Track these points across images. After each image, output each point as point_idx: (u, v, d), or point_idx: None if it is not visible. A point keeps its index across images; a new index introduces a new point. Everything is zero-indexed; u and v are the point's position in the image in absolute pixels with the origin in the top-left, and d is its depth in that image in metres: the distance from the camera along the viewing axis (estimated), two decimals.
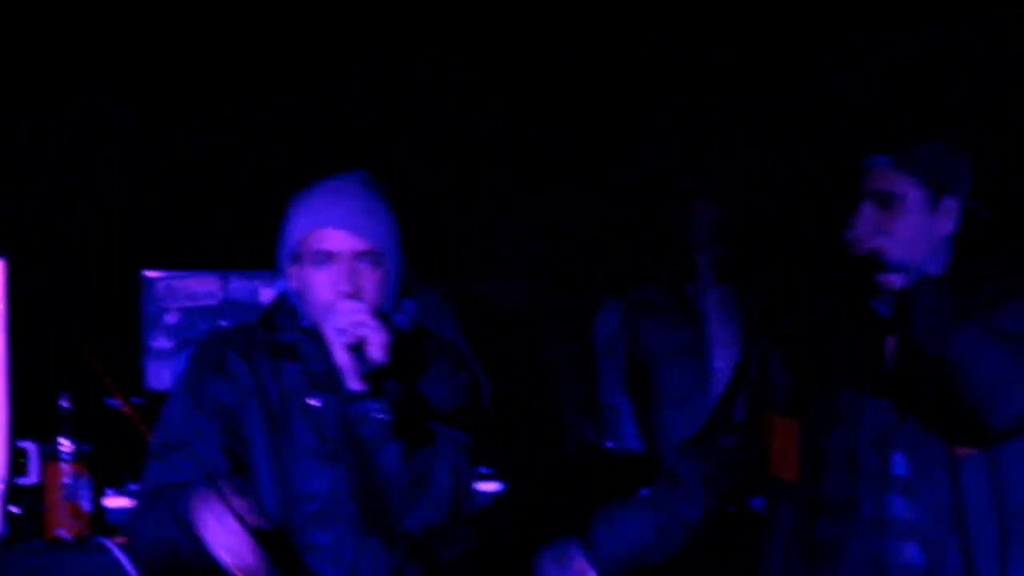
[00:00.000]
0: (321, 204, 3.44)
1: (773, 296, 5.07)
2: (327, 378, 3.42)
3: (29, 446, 4.72)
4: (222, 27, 7.00)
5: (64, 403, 4.62)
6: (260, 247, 4.58)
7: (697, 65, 7.34)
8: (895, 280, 3.82)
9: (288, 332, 3.54)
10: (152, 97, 7.43)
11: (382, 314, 3.36)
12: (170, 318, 5.15)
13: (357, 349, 3.29)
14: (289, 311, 3.54)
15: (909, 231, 3.92)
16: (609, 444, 5.89)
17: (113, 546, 4.54)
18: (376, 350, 3.26)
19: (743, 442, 4.08)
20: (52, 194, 7.04)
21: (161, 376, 5.09)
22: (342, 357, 3.30)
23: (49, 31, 7.03)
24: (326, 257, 3.39)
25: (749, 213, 6.69)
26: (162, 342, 5.11)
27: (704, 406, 5.51)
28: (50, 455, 4.62)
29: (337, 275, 3.36)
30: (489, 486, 5.14)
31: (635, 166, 7.34)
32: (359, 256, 3.38)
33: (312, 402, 3.46)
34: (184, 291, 5.20)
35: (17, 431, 4.77)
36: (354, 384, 3.29)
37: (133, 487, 4.59)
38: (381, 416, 3.31)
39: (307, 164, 7.52)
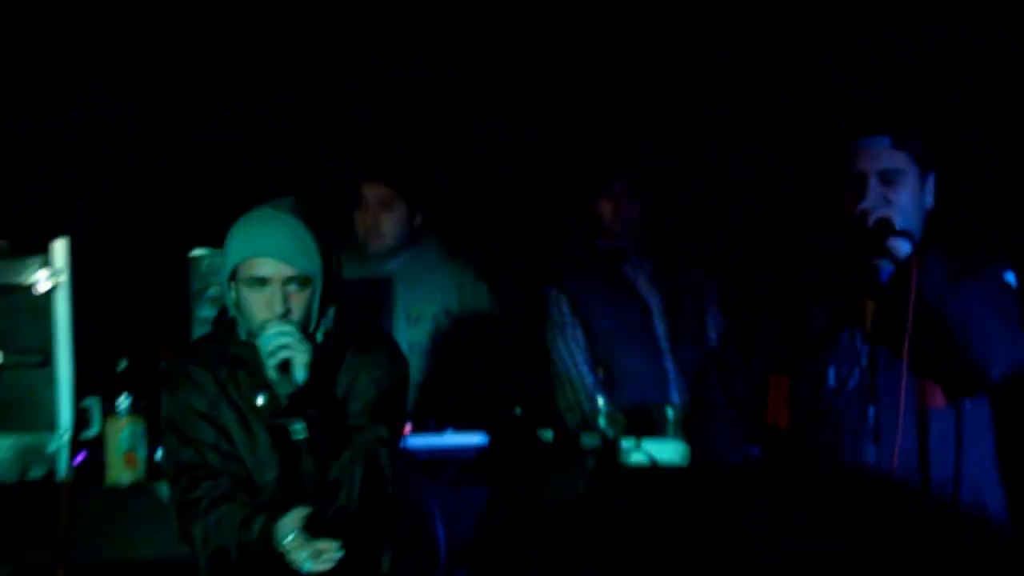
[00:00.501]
0: (255, 233, 3.98)
1: (771, 281, 5.18)
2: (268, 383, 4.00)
3: (91, 403, 5.04)
4: (222, 27, 7.17)
5: (122, 366, 5.08)
6: None
7: (697, 65, 7.51)
8: (902, 246, 4.31)
9: (233, 345, 4.07)
10: (152, 97, 7.61)
11: (309, 332, 3.93)
12: (213, 289, 5.46)
13: (284, 369, 3.84)
14: (229, 325, 4.07)
15: (909, 203, 4.46)
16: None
17: (167, 491, 4.80)
18: (299, 370, 3.83)
19: (742, 413, 4.77)
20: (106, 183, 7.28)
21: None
22: (272, 376, 3.87)
23: (49, 31, 7.19)
24: (260, 282, 3.92)
25: (749, 211, 7.10)
26: (206, 311, 5.40)
27: (655, 379, 6.14)
28: (110, 411, 5.09)
29: (270, 298, 3.90)
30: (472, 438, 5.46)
31: (635, 166, 7.48)
32: (289, 281, 3.91)
33: (259, 401, 3.98)
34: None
35: (81, 390, 4.99)
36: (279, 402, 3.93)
37: None
38: (300, 436, 3.92)
39: (307, 164, 7.66)
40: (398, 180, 6.13)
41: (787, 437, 4.67)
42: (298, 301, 3.99)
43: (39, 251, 4.88)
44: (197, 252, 5.42)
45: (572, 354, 6.23)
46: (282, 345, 3.92)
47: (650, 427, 5.45)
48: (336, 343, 4.08)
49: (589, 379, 6.15)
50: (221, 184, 7.44)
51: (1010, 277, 4.54)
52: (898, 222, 4.40)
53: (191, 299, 5.44)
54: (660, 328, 6.14)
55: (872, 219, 4.48)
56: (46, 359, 4.83)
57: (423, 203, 6.43)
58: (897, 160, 4.54)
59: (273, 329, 3.93)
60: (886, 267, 4.50)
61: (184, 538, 4.20)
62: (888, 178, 4.53)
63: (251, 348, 4.06)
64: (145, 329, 6.06)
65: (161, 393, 4.27)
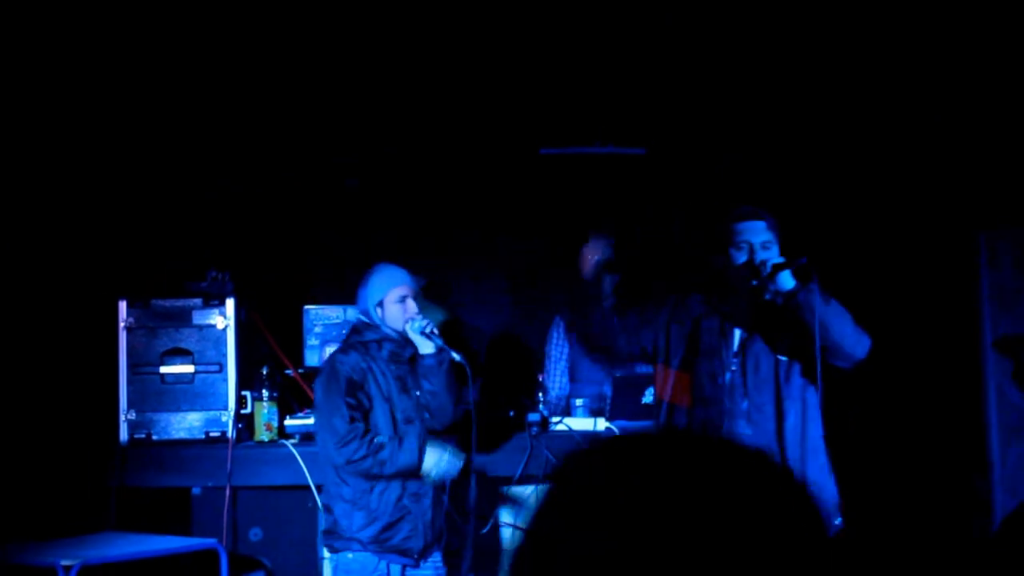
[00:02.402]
0: (393, 272, 6.18)
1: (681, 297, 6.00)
2: (400, 357, 6.11)
3: (247, 393, 7.14)
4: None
5: (264, 371, 7.14)
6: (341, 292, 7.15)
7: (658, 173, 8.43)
8: (788, 280, 5.34)
9: (375, 335, 6.12)
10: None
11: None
12: (317, 329, 7.54)
13: (427, 335, 6.02)
14: (370, 326, 6.14)
15: (778, 255, 5.52)
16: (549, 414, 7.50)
17: (290, 445, 6.90)
18: (437, 336, 6.04)
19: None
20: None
21: (312, 359, 7.54)
22: (421, 342, 6.07)
23: None
24: (402, 299, 6.09)
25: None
26: (313, 341, 7.51)
27: (602, 378, 7.45)
28: (257, 397, 7.10)
29: (408, 307, 6.09)
30: None
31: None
32: (412, 295, 6.12)
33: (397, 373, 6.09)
34: (323, 315, 7.58)
35: (241, 385, 7.13)
36: (428, 350, 6.06)
37: (300, 414, 7.07)
38: (453, 358, 6.08)
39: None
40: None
41: (687, 410, 5.58)
42: (415, 307, 6.05)
43: (220, 303, 7.10)
44: (308, 306, 7.53)
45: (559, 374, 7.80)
46: (425, 324, 5.99)
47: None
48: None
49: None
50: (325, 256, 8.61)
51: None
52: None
53: (304, 334, 7.48)
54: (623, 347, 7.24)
55: (769, 265, 5.40)
56: (221, 367, 7.10)
57: None
58: (769, 234, 5.57)
59: (417, 319, 6.00)
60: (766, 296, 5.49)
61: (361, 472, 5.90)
62: (765, 246, 5.52)
63: (388, 338, 6.02)
64: (276, 351, 7.41)
65: (317, 381, 6.07)
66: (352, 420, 5.92)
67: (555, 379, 7.93)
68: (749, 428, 5.46)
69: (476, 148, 8.57)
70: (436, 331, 6.08)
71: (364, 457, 5.89)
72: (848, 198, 7.91)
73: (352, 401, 5.95)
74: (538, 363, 8.07)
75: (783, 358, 5.55)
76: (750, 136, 8.13)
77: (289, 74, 7.21)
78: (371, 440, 5.92)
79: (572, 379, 7.93)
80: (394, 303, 6.08)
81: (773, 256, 5.44)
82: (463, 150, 8.55)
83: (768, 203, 6.24)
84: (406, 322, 6.09)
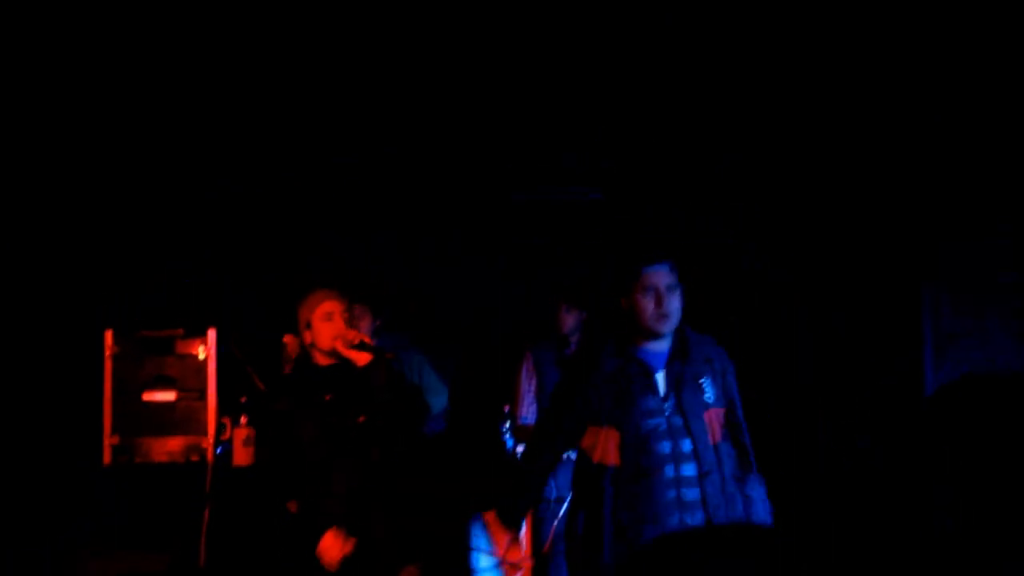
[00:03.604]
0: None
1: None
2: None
3: (226, 419, 7.28)
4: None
5: (240, 400, 7.29)
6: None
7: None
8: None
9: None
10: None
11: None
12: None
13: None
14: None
15: (680, 303, 5.47)
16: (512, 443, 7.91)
17: None
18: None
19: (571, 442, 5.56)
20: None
21: None
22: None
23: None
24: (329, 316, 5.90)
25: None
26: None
27: None
28: (235, 424, 7.23)
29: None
30: None
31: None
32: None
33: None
34: None
35: (220, 412, 7.29)
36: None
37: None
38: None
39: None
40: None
41: (618, 468, 5.34)
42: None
43: (200, 335, 7.24)
44: (286, 337, 7.45)
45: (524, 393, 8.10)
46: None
47: None
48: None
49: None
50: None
51: None
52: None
53: (283, 362, 7.40)
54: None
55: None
56: (202, 395, 7.23)
57: None
58: (672, 277, 5.48)
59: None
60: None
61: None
62: (671, 289, 5.45)
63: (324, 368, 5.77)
64: (253, 380, 7.34)
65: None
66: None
67: (524, 408, 8.19)
68: (693, 467, 5.41)
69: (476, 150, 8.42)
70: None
71: None
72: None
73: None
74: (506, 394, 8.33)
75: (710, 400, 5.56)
76: (750, 136, 7.96)
77: (289, 73, 7.12)
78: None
79: (541, 408, 8.16)
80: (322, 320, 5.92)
81: (678, 303, 5.46)
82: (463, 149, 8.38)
83: (768, 204, 6.49)
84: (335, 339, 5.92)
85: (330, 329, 5.86)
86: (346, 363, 5.89)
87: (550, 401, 5.54)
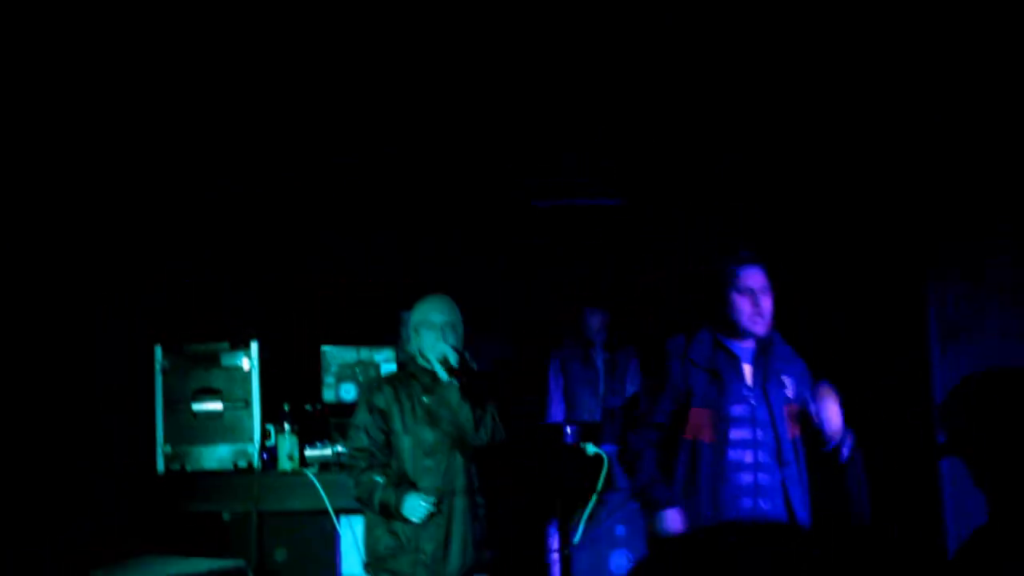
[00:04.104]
0: (431, 306, 6.15)
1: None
2: (430, 384, 6.13)
3: (270, 427, 7.40)
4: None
5: (285, 407, 7.43)
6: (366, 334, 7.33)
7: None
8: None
9: (410, 368, 6.16)
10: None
11: (456, 351, 6.07)
12: (334, 368, 7.86)
13: (443, 362, 6.03)
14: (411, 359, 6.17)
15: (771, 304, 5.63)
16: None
17: (309, 474, 7.10)
18: (454, 361, 6.00)
19: (663, 434, 5.67)
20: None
21: (329, 395, 7.79)
22: (437, 367, 6.05)
23: None
24: (432, 326, 6.05)
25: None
26: (330, 379, 7.81)
27: (595, 407, 8.04)
28: (280, 431, 7.36)
29: (437, 336, 6.03)
30: None
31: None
32: (447, 325, 6.08)
33: (424, 400, 6.16)
34: (340, 356, 7.89)
35: (265, 420, 7.39)
36: (445, 377, 6.03)
37: (320, 445, 7.34)
38: (459, 391, 6.02)
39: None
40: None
41: (711, 444, 5.50)
42: (452, 337, 5.97)
43: (245, 347, 7.36)
44: (325, 347, 7.73)
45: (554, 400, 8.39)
46: (442, 351, 5.90)
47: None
48: (464, 361, 6.01)
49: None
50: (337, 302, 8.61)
51: None
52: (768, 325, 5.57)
53: (322, 372, 7.71)
54: (603, 386, 8.28)
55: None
56: (247, 404, 7.39)
57: None
58: (766, 280, 5.64)
59: (440, 345, 5.99)
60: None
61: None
62: (765, 291, 5.59)
63: (422, 367, 6.00)
64: (296, 389, 7.58)
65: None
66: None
67: (553, 407, 8.47)
68: (761, 454, 5.57)
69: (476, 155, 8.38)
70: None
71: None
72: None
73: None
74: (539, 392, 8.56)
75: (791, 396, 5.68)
76: (750, 136, 7.90)
77: (289, 74, 6.99)
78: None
79: (569, 407, 8.44)
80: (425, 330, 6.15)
81: (770, 304, 5.62)
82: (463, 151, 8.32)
83: (768, 203, 6.55)
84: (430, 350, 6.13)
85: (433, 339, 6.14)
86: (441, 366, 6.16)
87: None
